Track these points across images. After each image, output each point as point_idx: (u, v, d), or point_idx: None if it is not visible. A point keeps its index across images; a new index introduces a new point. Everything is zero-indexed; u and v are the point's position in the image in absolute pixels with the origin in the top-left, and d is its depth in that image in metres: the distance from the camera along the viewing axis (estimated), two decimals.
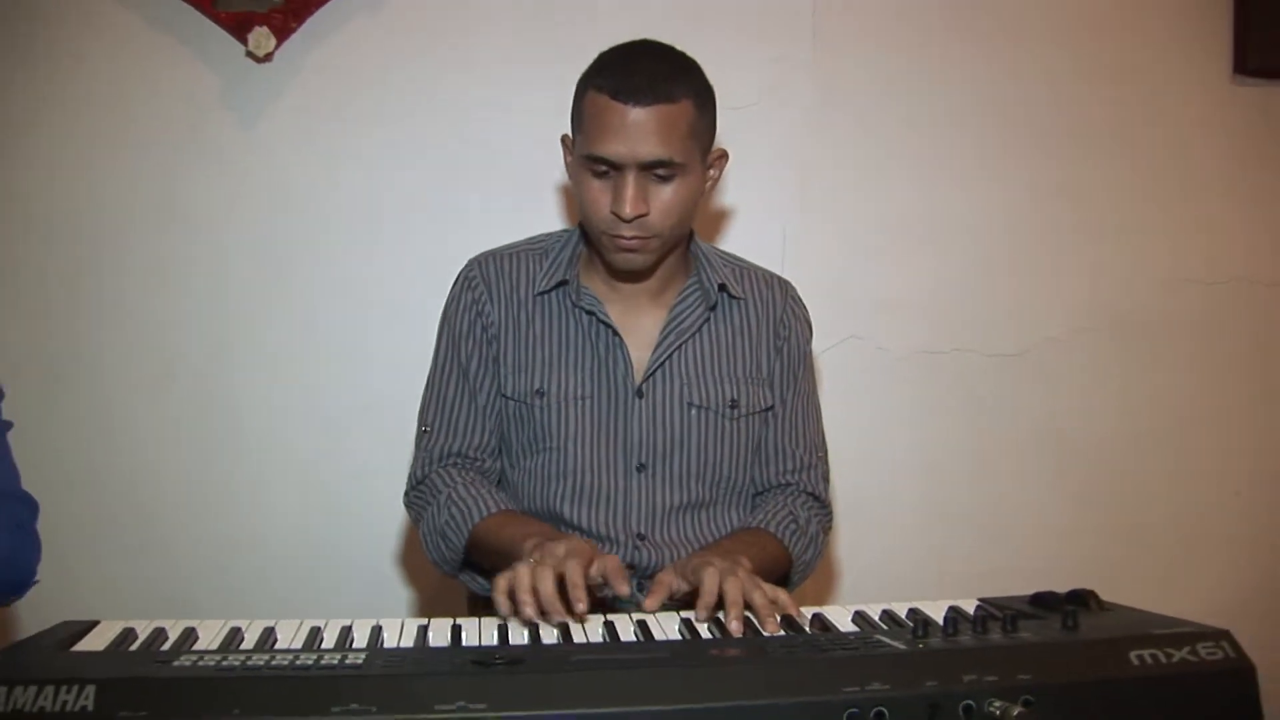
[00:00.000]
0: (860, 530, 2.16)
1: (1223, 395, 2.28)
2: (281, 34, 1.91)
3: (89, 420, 1.99)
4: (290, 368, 2.03)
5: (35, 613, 1.98)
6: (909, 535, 2.20)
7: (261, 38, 1.89)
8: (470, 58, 2.03)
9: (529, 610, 1.17)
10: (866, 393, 2.17)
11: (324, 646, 1.13)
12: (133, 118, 1.96)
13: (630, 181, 1.43)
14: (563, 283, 1.57)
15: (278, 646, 1.14)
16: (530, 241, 1.65)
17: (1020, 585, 1.32)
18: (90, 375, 1.99)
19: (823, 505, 1.64)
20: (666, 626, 1.21)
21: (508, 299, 1.58)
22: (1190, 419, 2.27)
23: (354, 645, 1.14)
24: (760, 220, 2.13)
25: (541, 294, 1.58)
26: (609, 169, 1.44)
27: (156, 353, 2.00)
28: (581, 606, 1.16)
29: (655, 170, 1.44)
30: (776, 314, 1.65)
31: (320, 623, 1.21)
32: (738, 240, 2.09)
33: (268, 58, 1.93)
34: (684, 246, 1.61)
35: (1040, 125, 2.19)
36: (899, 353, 2.18)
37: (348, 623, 1.21)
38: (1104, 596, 1.23)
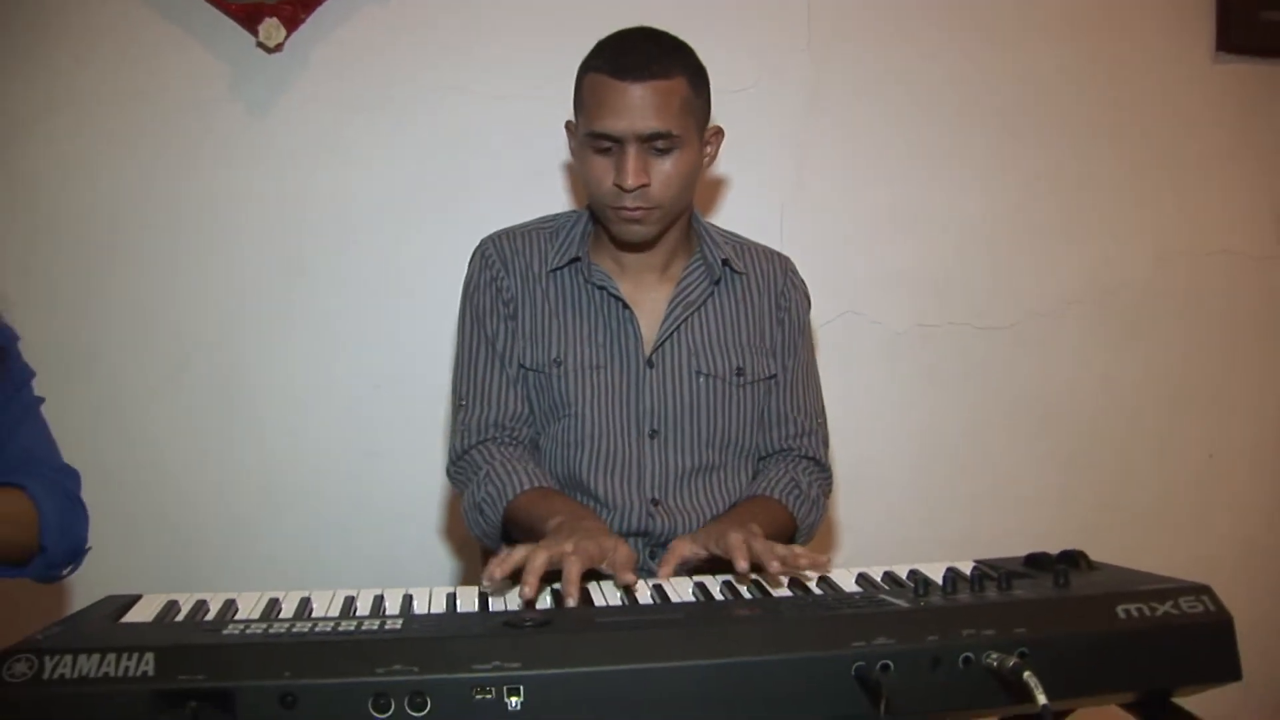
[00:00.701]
0: (860, 497, 2.24)
1: (1209, 365, 2.35)
2: (291, 25, 1.95)
3: (105, 412, 2.04)
4: (303, 353, 2.08)
5: (65, 594, 2.05)
6: (906, 501, 2.27)
7: (272, 28, 1.93)
8: (477, 45, 2.08)
9: (506, 585, 1.22)
10: (864, 365, 2.24)
11: (360, 614, 1.19)
12: (143, 110, 2.00)
13: (631, 154, 1.51)
14: (575, 259, 1.64)
15: (315, 614, 1.20)
16: (541, 221, 1.72)
17: (1013, 547, 1.39)
18: (105, 367, 2.04)
19: (823, 469, 1.72)
20: (681, 590, 1.28)
21: (523, 275, 1.65)
22: (1176, 389, 2.35)
23: (388, 612, 1.20)
24: (759, 199, 2.19)
25: (555, 270, 1.65)
26: (611, 145, 1.52)
27: (171, 342, 2.05)
28: (571, 602, 1.20)
29: (654, 143, 1.52)
30: (777, 287, 1.72)
31: (353, 592, 1.27)
32: (737, 218, 2.15)
33: (278, 48, 1.97)
34: (686, 224, 1.68)
35: (1029, 105, 2.26)
36: (894, 326, 2.25)
37: (379, 592, 1.27)
38: (1093, 557, 1.30)
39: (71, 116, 1.98)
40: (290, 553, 2.10)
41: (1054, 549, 1.32)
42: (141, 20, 1.99)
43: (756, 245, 1.77)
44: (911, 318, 2.25)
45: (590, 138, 1.53)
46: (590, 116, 1.53)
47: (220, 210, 2.04)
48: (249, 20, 1.94)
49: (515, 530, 1.54)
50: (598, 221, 1.65)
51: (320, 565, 2.11)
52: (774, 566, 1.24)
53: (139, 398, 2.06)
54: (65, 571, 1.43)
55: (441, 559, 2.16)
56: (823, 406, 1.76)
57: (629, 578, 1.27)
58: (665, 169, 1.54)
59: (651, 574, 1.36)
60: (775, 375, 1.71)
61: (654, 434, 1.63)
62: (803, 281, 1.78)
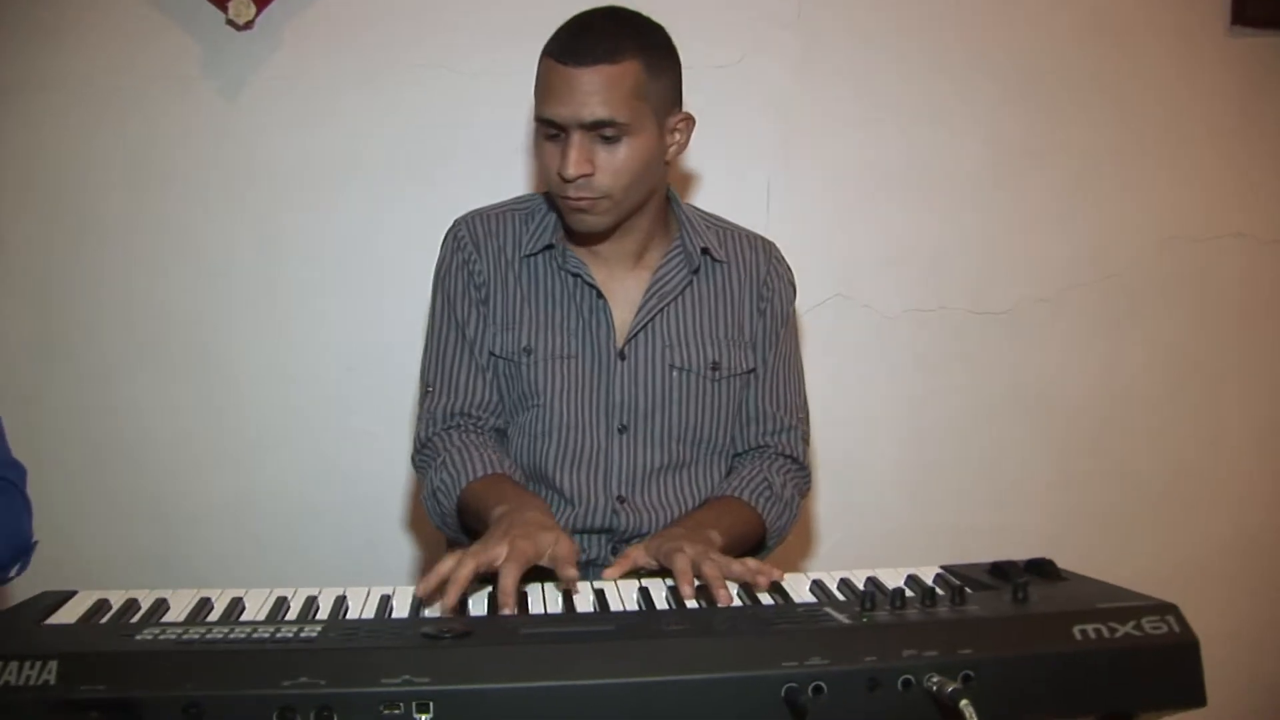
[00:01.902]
0: (844, 490, 2.18)
1: (1214, 353, 2.26)
2: (261, 2, 1.90)
3: (86, 390, 2.02)
4: (278, 332, 2.05)
5: (42, 583, 2.04)
6: (894, 494, 2.21)
7: (241, 6, 1.89)
8: (456, 21, 2.02)
9: (438, 597, 1.17)
10: (852, 351, 2.17)
11: (287, 618, 1.16)
12: (119, 90, 1.96)
13: (575, 142, 1.45)
14: (549, 246, 1.59)
15: (243, 618, 1.17)
16: (516, 201, 1.66)
17: (1006, 542, 1.35)
18: (85, 346, 2.02)
19: (800, 468, 1.66)
20: (625, 595, 1.23)
21: (495, 258, 1.60)
22: (1180, 377, 2.26)
23: (316, 616, 1.16)
24: (745, 178, 2.12)
25: (528, 256, 1.60)
26: (558, 131, 1.46)
27: (150, 321, 2.02)
28: (507, 612, 1.15)
29: (600, 131, 1.45)
30: (760, 276, 1.66)
31: (289, 592, 1.24)
32: (722, 199, 2.07)
33: (248, 25, 1.92)
34: (661, 210, 1.62)
35: (1030, 78, 2.16)
36: (886, 311, 2.18)
37: (315, 592, 1.23)
38: (1090, 550, 1.23)
39: (49, 96, 1.95)
40: (271, 536, 2.09)
41: (1047, 542, 1.27)
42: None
43: (741, 231, 1.70)
44: (904, 302, 2.18)
45: (538, 123, 1.49)
46: (538, 101, 1.48)
47: (193, 189, 2.01)
48: None
49: (467, 518, 1.49)
50: None
51: (298, 550, 2.09)
52: (721, 597, 1.19)
53: (115, 377, 2.04)
54: (13, 573, 1.39)
55: (411, 546, 2.12)
56: (804, 401, 1.70)
57: (569, 572, 1.22)
58: (614, 158, 1.47)
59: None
60: (754, 369, 1.65)
61: (623, 429, 1.58)
62: (788, 269, 1.71)
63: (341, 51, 2.00)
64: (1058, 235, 2.20)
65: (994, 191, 2.18)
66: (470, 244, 1.61)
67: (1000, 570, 1.24)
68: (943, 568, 1.29)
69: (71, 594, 1.23)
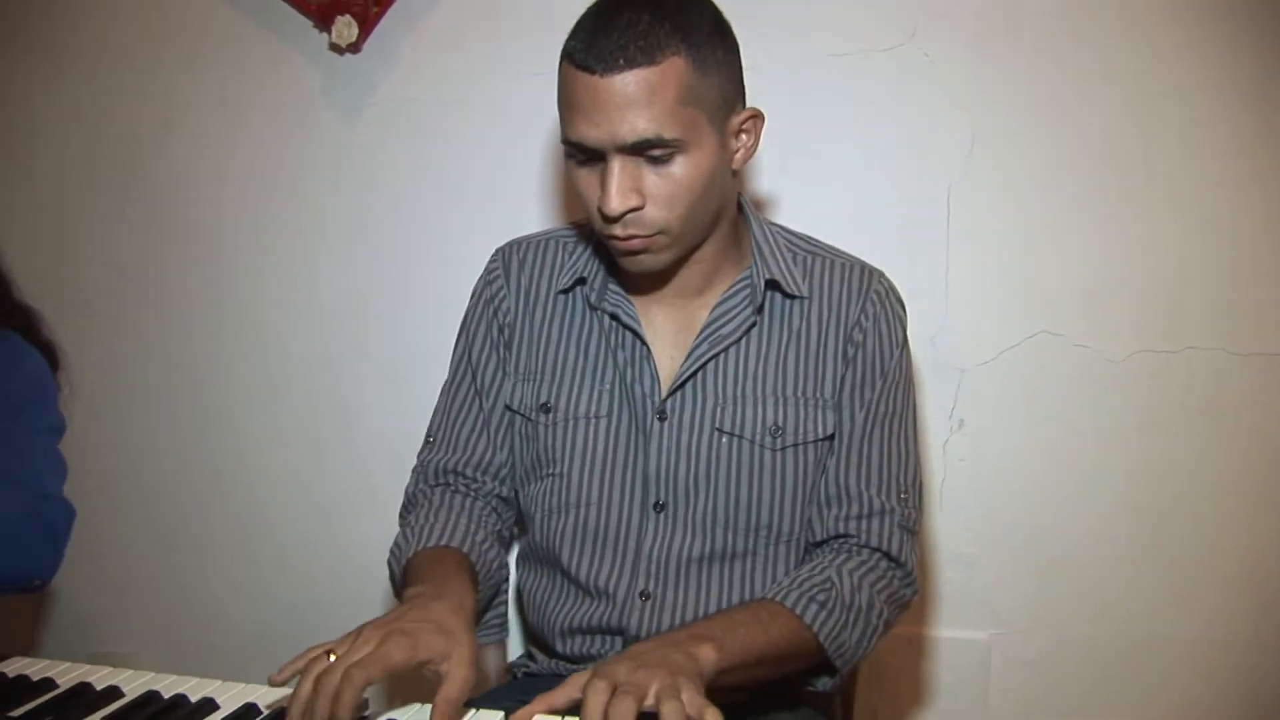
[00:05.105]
0: (1046, 581, 1.70)
1: None
2: (365, 22, 1.80)
3: (214, 416, 2.02)
4: (399, 360, 1.94)
5: (173, 611, 2.09)
6: (1119, 588, 1.69)
7: (344, 27, 1.79)
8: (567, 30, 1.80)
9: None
10: (1060, 403, 1.68)
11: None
12: (249, 118, 1.94)
13: (614, 170, 1.15)
14: (581, 280, 1.33)
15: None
16: (568, 227, 1.41)
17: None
18: (211, 374, 2.02)
19: (895, 565, 1.26)
20: None
21: (525, 294, 1.37)
22: None
23: None
24: (918, 182, 1.69)
25: (563, 291, 1.35)
26: (589, 157, 1.18)
27: (273, 351, 1.98)
28: None
29: (646, 152, 1.15)
30: (850, 315, 1.29)
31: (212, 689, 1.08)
32: (886, 207, 1.70)
33: (352, 48, 1.82)
34: (733, 231, 1.30)
35: None
36: (1109, 352, 1.67)
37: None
38: None
39: (181, 130, 1.97)
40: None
41: None
42: (234, 26, 1.91)
43: (837, 257, 1.34)
44: (1132, 340, 1.65)
45: (566, 147, 1.20)
46: (562, 120, 1.19)
47: (316, 217, 1.94)
48: (324, 19, 1.81)
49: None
50: None
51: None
52: None
53: (240, 405, 2.02)
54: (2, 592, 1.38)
55: None
56: (913, 480, 1.30)
57: (441, 709, 0.96)
58: (666, 183, 1.16)
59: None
60: (833, 435, 1.29)
61: (660, 507, 1.28)
62: (894, 304, 1.33)
63: (457, 67, 1.84)
64: None
65: (1250, 195, 1.60)
66: (501, 277, 1.39)
67: None
68: None
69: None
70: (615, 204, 1.16)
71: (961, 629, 1.77)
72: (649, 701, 0.95)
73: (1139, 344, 1.66)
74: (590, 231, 1.34)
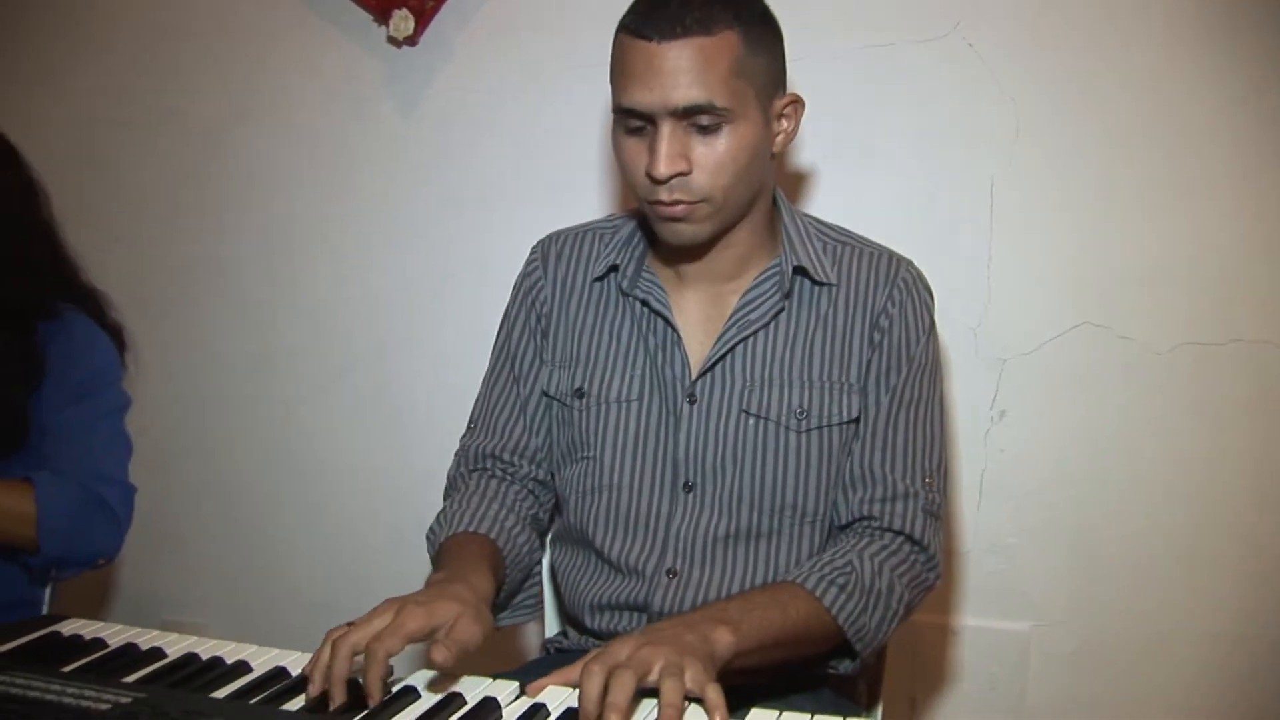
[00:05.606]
0: (1088, 573, 1.69)
1: None
2: (421, 16, 1.86)
3: (277, 405, 2.11)
4: (454, 356, 1.99)
5: (238, 583, 2.17)
6: (1161, 583, 1.67)
7: (401, 20, 1.85)
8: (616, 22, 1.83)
9: (313, 689, 1.01)
10: (1103, 395, 1.67)
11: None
12: (314, 115, 2.02)
13: (664, 134, 1.20)
14: (614, 267, 1.37)
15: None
16: (605, 220, 1.45)
17: None
18: (276, 367, 2.10)
19: (919, 548, 1.27)
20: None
21: (562, 284, 1.41)
22: None
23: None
24: (959, 172, 1.70)
25: (597, 280, 1.39)
26: (642, 123, 1.22)
27: (332, 342, 2.06)
28: (372, 703, 0.98)
29: (695, 119, 1.19)
30: (876, 302, 1.31)
31: (248, 653, 1.14)
32: (927, 198, 1.70)
33: (409, 40, 1.88)
34: (767, 216, 1.33)
35: None
36: (1153, 344, 1.65)
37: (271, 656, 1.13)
38: None
39: (248, 128, 2.05)
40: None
41: None
42: (302, 22, 1.98)
43: (866, 246, 1.36)
44: (1177, 332, 1.64)
45: (618, 114, 1.24)
46: (616, 88, 1.24)
47: (375, 208, 2.01)
48: (382, 13, 1.87)
49: None
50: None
51: None
52: None
53: (299, 401, 2.10)
54: (69, 572, 1.46)
55: None
56: (938, 465, 1.31)
57: (436, 654, 1.00)
58: (713, 151, 1.20)
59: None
60: (858, 418, 1.30)
61: (689, 487, 1.31)
62: (921, 291, 1.33)
63: (513, 60, 1.89)
64: None
65: None
66: (539, 267, 1.43)
67: None
68: None
69: (59, 618, 1.22)
70: (664, 167, 1.20)
71: (1001, 620, 1.77)
72: (652, 678, 0.98)
73: (1183, 336, 1.64)
74: (626, 220, 1.38)
